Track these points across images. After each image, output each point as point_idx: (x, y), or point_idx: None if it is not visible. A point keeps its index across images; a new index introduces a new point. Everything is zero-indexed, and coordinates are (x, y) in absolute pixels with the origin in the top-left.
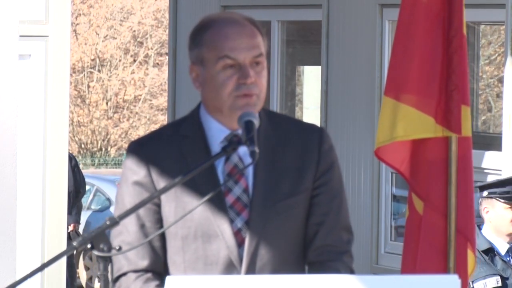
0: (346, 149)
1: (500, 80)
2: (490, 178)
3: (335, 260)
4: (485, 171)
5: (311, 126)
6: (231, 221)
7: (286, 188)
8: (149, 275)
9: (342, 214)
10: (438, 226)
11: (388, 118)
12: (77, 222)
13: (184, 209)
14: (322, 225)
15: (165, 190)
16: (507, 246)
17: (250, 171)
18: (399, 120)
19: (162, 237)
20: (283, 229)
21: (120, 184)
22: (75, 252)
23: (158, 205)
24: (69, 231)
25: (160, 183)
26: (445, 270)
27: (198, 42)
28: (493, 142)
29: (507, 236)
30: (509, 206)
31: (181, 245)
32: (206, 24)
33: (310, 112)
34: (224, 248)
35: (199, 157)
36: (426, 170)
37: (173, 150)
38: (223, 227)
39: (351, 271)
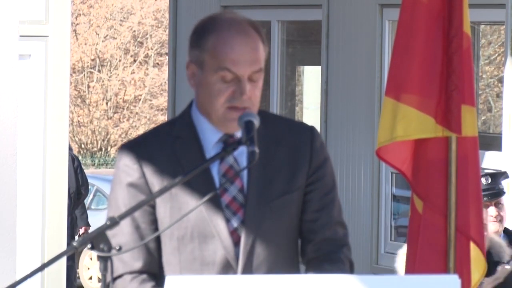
0: (346, 149)
1: (500, 80)
2: None
3: (336, 251)
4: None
5: (302, 125)
6: (227, 221)
7: (280, 187)
8: (144, 276)
9: (336, 209)
10: (437, 226)
11: (388, 118)
12: (87, 225)
13: (180, 210)
14: (316, 221)
15: (165, 190)
16: None
17: (244, 170)
18: (399, 120)
19: (157, 238)
20: (278, 227)
21: (113, 186)
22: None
23: (153, 206)
24: (80, 233)
25: (155, 184)
26: (444, 270)
27: (202, 45)
28: (493, 142)
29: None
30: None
31: (177, 246)
32: (211, 26)
33: (310, 112)
34: (221, 248)
35: (193, 158)
36: (426, 170)
37: (166, 151)
38: (220, 227)
39: (351, 263)
